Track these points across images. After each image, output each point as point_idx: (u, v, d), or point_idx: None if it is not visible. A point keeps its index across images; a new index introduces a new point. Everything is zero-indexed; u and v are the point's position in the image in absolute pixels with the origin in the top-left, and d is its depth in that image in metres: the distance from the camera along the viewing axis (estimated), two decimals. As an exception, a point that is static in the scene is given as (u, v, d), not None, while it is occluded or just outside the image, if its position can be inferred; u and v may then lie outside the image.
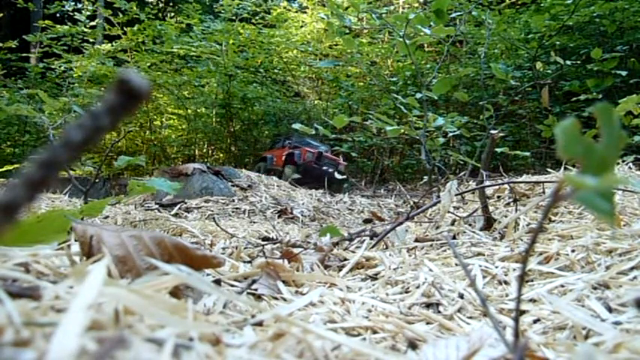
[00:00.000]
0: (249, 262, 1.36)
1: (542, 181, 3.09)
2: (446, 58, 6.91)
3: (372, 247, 1.88)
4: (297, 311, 0.87)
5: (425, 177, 4.36)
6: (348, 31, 5.12)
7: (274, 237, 2.96)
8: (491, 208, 2.61)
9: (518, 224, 2.21)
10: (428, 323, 0.92)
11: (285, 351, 0.60)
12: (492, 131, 2.46)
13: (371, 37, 10.20)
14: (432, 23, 3.28)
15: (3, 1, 12.80)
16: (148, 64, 9.08)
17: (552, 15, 6.42)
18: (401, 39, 2.77)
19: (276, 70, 10.35)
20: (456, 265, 1.49)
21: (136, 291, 0.58)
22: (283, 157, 8.92)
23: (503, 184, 3.06)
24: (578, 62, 6.03)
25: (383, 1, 10.62)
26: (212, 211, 4.51)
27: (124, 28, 8.96)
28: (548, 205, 0.52)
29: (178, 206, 4.43)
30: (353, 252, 1.69)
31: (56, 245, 0.92)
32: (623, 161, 3.37)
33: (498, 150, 3.56)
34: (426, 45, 8.93)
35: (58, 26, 9.06)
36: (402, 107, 3.75)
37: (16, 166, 4.36)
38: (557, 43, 6.74)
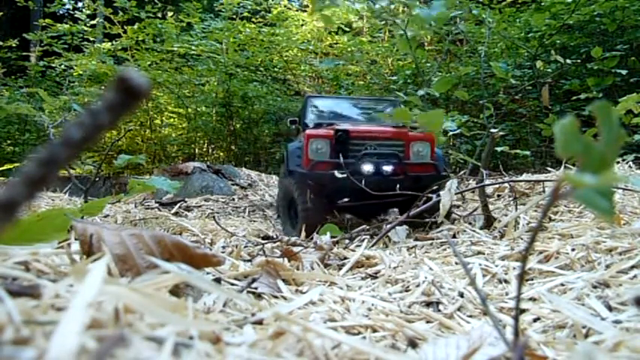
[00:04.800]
0: (249, 260, 1.36)
1: (542, 180, 3.10)
2: (446, 57, 6.90)
3: (372, 246, 1.88)
4: (297, 310, 0.87)
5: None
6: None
7: (274, 235, 2.96)
8: (491, 207, 2.61)
9: (518, 223, 2.22)
10: (428, 322, 0.92)
11: (285, 349, 0.60)
12: (493, 130, 2.47)
13: (371, 35, 10.20)
14: (432, 22, 3.27)
15: (3, 0, 12.80)
16: (148, 62, 9.06)
17: (553, 14, 6.41)
18: (401, 34, 2.77)
19: (276, 69, 10.33)
20: (456, 263, 1.49)
21: (136, 289, 0.58)
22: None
23: (503, 182, 3.07)
24: (579, 61, 6.03)
25: (383, -1, 10.61)
26: (212, 209, 4.52)
27: (124, 27, 8.95)
28: (548, 204, 0.52)
29: (178, 205, 4.44)
30: (353, 251, 1.69)
31: (56, 244, 0.92)
32: (624, 160, 3.37)
33: (498, 149, 3.56)
34: (426, 44, 8.93)
35: (58, 25, 9.05)
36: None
37: (16, 164, 4.36)
38: (558, 41, 6.73)
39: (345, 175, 2.94)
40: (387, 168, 3.19)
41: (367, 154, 3.28)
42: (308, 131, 3.43)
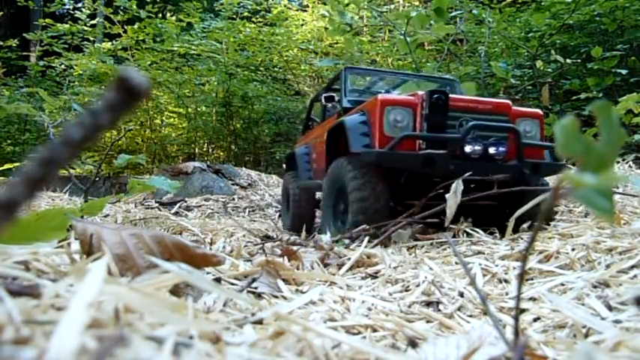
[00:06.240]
0: (249, 260, 1.36)
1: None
2: (446, 57, 6.90)
3: (374, 246, 1.88)
4: (298, 309, 0.87)
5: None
6: (348, 29, 4.92)
7: (274, 235, 2.96)
8: (491, 207, 2.60)
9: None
10: (428, 322, 0.92)
11: (286, 349, 0.60)
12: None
13: (371, 35, 10.18)
14: (432, 22, 3.28)
15: (3, 0, 12.80)
16: (149, 62, 9.05)
17: (553, 13, 6.41)
18: (401, 37, 2.76)
19: (276, 69, 10.33)
20: (456, 263, 1.49)
21: (136, 289, 0.58)
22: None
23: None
24: (579, 61, 6.03)
25: (383, -1, 10.61)
26: (212, 209, 4.52)
27: (124, 27, 8.95)
28: (548, 204, 0.52)
29: (178, 205, 4.44)
30: (353, 250, 1.69)
31: (56, 243, 0.92)
32: (624, 160, 3.38)
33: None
34: (426, 43, 8.92)
35: (59, 24, 9.05)
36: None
37: (16, 164, 4.36)
38: (558, 41, 6.73)
39: (446, 156, 2.23)
40: (501, 149, 2.35)
41: (476, 128, 2.32)
42: (381, 97, 2.47)
